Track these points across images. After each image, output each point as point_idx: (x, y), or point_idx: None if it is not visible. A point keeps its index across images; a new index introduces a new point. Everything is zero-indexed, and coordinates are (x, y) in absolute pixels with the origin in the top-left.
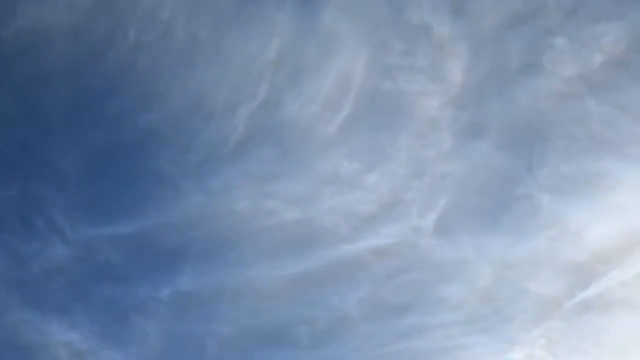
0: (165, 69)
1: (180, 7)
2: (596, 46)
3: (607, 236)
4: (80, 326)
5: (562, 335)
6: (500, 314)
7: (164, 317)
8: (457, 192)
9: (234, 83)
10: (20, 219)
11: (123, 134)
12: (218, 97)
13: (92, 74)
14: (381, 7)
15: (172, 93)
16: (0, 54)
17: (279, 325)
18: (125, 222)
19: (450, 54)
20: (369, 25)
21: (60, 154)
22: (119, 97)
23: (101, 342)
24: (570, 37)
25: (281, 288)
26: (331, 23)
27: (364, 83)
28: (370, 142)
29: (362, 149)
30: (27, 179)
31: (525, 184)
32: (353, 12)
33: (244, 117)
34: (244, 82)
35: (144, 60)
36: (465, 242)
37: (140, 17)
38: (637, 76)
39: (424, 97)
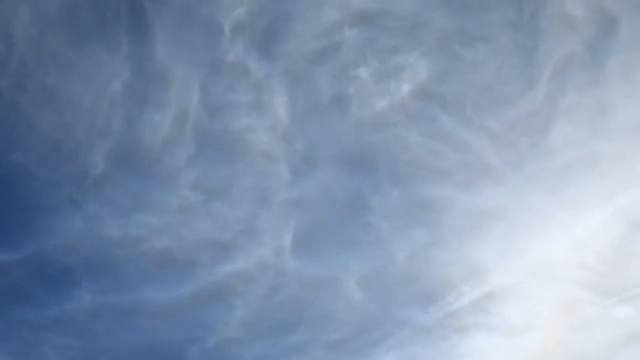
0: (23, 114)
1: (26, 59)
2: (399, 76)
3: (447, 261)
4: None
5: (421, 356)
6: (364, 335)
7: (62, 334)
8: (305, 219)
9: (86, 124)
10: None
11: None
12: (75, 137)
13: None
14: (202, 47)
15: (33, 135)
16: None
17: (170, 345)
18: (16, 248)
19: (269, 91)
20: (194, 64)
21: None
22: None
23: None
24: (373, 69)
25: (168, 309)
26: (163, 63)
27: (199, 118)
28: (213, 175)
29: (207, 181)
30: None
31: (363, 210)
32: (179, 52)
33: (101, 153)
34: (95, 123)
35: (1, 106)
36: (322, 266)
37: None
38: (445, 104)
39: (254, 132)
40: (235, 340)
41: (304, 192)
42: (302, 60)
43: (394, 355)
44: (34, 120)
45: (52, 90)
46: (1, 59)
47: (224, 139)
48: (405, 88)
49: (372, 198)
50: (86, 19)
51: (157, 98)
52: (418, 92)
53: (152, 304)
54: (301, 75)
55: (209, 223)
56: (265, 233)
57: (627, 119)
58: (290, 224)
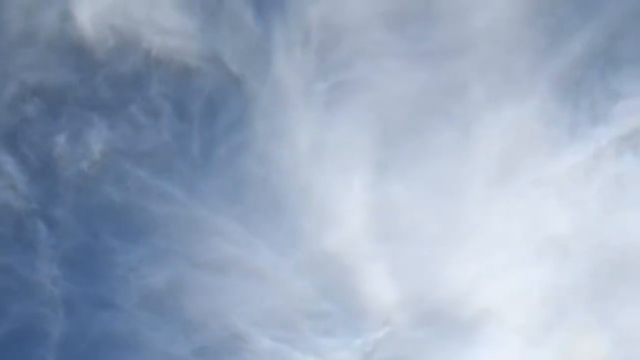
0: None
1: None
2: (89, 139)
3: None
4: None
5: None
6: None
7: None
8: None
9: None
10: None
11: None
12: None
13: None
14: None
15: None
16: None
17: None
18: None
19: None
20: None
21: None
22: None
23: None
24: (66, 134)
25: None
26: None
27: None
28: None
29: None
30: None
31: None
32: None
33: None
34: None
35: None
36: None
37: None
38: (138, 162)
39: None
40: None
41: (63, 243)
42: (9, 130)
43: None
44: None
45: None
46: None
47: None
48: (98, 148)
49: (115, 253)
50: None
51: None
52: (111, 151)
53: None
54: (16, 142)
55: None
56: (41, 279)
57: None
58: (61, 265)
